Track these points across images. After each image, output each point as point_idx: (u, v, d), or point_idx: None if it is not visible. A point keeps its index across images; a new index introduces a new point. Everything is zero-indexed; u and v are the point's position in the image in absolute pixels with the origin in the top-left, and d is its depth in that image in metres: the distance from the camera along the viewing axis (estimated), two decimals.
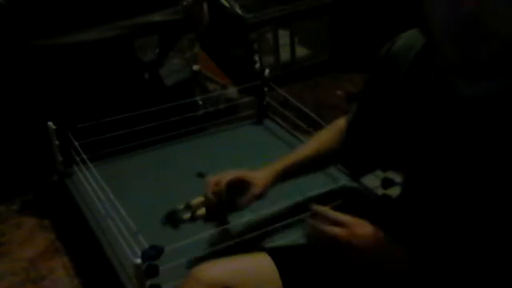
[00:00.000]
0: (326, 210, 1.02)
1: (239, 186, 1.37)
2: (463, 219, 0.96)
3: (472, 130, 0.92)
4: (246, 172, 1.38)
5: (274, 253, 1.18)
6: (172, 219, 1.68)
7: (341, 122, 1.34)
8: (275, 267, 1.14)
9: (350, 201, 1.62)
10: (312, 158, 1.37)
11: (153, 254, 1.31)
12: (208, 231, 1.51)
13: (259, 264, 1.16)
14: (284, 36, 2.86)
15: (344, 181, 1.78)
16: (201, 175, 1.78)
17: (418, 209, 1.07)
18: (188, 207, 1.70)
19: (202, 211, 1.68)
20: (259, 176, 1.36)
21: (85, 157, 1.78)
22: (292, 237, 1.44)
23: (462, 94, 0.93)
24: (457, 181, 0.96)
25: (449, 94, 0.95)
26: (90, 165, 1.77)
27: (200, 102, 2.29)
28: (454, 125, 0.95)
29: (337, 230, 0.97)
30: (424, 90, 1.00)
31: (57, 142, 1.86)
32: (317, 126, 2.03)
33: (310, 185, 1.71)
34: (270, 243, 1.47)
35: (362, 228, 0.98)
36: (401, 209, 1.14)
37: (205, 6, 2.24)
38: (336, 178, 1.79)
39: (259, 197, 1.36)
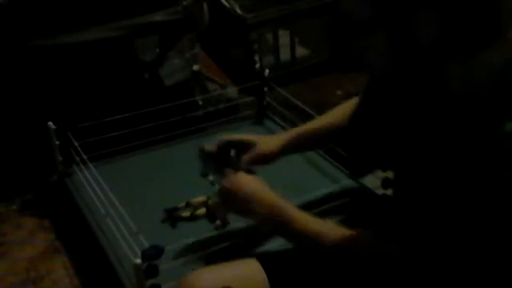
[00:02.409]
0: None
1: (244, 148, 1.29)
2: (446, 218, 0.96)
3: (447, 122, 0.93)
4: (252, 135, 1.32)
5: (264, 259, 1.17)
6: (171, 216, 1.68)
7: (353, 101, 1.31)
8: (265, 274, 1.14)
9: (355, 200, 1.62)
10: (324, 130, 1.33)
11: (153, 253, 1.31)
12: (208, 231, 1.51)
13: (249, 271, 1.15)
14: (284, 36, 2.86)
15: (344, 181, 1.78)
16: (204, 175, 1.78)
17: (406, 207, 1.07)
18: (188, 206, 1.70)
19: (202, 211, 1.69)
20: (268, 140, 1.31)
21: (85, 157, 1.78)
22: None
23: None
24: (438, 177, 0.96)
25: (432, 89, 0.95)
26: (90, 165, 1.77)
27: (200, 102, 2.29)
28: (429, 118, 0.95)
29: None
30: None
31: (57, 142, 1.86)
32: None
33: (310, 185, 1.71)
34: (261, 248, 1.44)
35: (239, 179, 1.17)
36: (393, 206, 1.14)
37: (205, 5, 2.23)
38: (336, 179, 1.80)
39: (265, 158, 1.30)
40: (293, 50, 2.89)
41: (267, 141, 1.34)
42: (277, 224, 1.11)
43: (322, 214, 1.53)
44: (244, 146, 1.32)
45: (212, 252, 1.44)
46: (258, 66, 2.73)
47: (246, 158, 1.30)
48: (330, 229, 1.04)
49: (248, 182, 1.18)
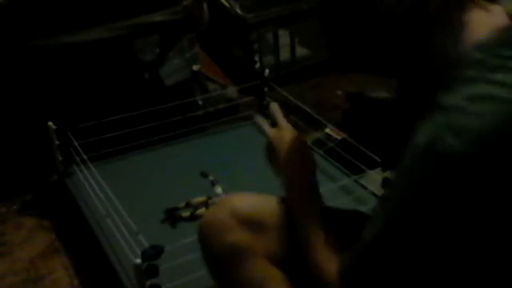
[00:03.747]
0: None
1: None
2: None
3: None
4: None
5: None
6: (171, 216, 1.68)
7: None
8: None
9: None
10: None
11: (152, 253, 1.31)
12: None
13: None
14: (284, 36, 2.85)
15: (344, 181, 1.78)
16: (204, 175, 1.78)
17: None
18: (188, 206, 1.71)
19: (202, 211, 1.69)
20: None
21: (85, 157, 1.78)
22: None
23: None
24: None
25: None
26: (90, 165, 1.77)
27: (200, 102, 2.29)
28: None
29: (270, 131, 1.18)
30: None
31: (57, 142, 1.86)
32: (317, 126, 2.03)
33: None
34: None
35: (287, 133, 1.15)
36: None
37: (205, 5, 2.23)
38: (336, 179, 1.80)
39: None
40: (293, 49, 2.89)
41: None
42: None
43: None
44: None
45: None
46: (257, 65, 2.73)
47: None
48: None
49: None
